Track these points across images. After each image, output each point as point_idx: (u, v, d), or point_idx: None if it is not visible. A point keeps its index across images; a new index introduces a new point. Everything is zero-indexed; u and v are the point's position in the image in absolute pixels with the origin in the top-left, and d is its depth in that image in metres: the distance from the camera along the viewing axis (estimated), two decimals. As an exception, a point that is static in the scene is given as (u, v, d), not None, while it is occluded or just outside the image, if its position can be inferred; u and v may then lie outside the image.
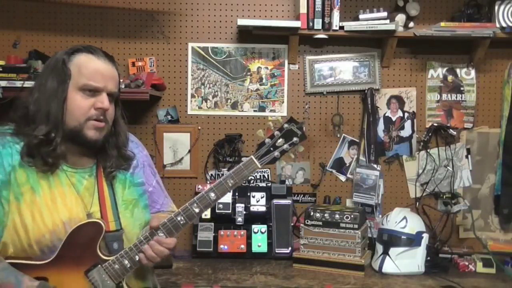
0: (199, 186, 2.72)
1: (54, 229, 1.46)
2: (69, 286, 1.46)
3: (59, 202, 1.49)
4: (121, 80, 2.55)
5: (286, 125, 1.60)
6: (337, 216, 2.45)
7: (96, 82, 1.50)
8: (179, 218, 1.53)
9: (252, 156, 1.58)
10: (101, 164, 1.58)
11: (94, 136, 1.51)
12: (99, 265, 1.49)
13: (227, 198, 2.62)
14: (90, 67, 1.50)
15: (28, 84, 2.34)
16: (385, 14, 2.62)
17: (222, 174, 2.80)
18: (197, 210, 1.54)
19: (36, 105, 1.49)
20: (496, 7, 2.64)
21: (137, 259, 1.51)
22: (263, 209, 2.63)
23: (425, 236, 2.44)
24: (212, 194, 1.55)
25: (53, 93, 1.48)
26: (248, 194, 2.67)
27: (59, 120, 1.48)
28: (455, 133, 2.82)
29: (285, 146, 1.60)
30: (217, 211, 2.59)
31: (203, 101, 2.83)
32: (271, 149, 1.58)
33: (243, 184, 2.76)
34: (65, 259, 1.46)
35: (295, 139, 1.60)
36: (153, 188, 1.75)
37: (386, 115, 2.86)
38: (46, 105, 1.48)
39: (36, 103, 1.49)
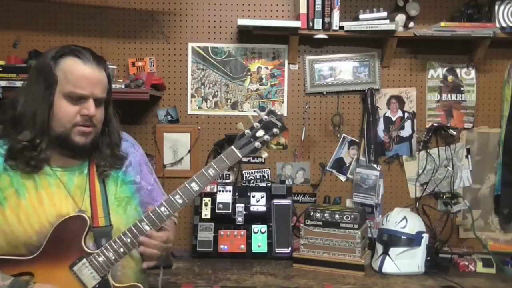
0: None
1: (42, 230, 1.46)
2: (55, 280, 1.46)
3: (46, 203, 1.49)
4: (121, 80, 2.58)
5: (265, 117, 1.62)
6: (337, 216, 2.45)
7: (82, 90, 1.48)
8: (162, 209, 1.54)
9: (232, 147, 1.61)
10: (95, 162, 1.59)
11: (81, 141, 1.52)
12: (84, 259, 1.49)
13: (227, 198, 2.62)
14: (76, 74, 1.48)
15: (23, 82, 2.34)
16: (385, 14, 2.62)
17: (222, 174, 2.80)
18: (180, 201, 1.56)
19: (22, 108, 1.49)
20: (496, 7, 2.64)
21: (121, 251, 1.51)
22: (263, 209, 2.63)
23: (425, 236, 2.44)
24: (194, 185, 1.57)
25: (40, 97, 1.48)
26: (248, 194, 2.67)
27: (45, 126, 1.48)
28: (455, 133, 2.82)
29: (266, 137, 1.61)
30: (217, 211, 2.59)
31: (203, 101, 2.83)
32: (251, 139, 1.60)
33: (242, 184, 2.77)
34: (50, 254, 1.46)
35: (275, 130, 1.62)
36: (152, 186, 1.75)
37: (386, 115, 2.86)
38: (32, 109, 1.48)
39: (22, 106, 1.49)
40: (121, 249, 1.51)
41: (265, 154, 1.65)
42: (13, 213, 1.46)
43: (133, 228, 1.52)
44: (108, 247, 1.51)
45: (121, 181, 1.65)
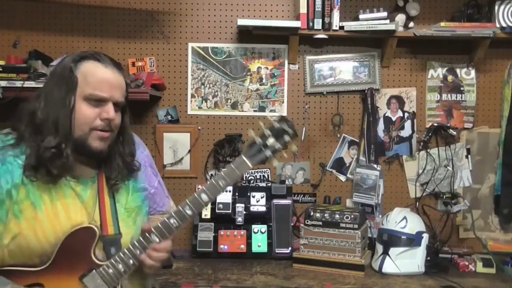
0: (199, 186, 2.71)
1: (57, 242, 1.45)
2: None
3: (62, 215, 1.47)
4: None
5: (277, 124, 1.55)
6: (337, 216, 2.45)
7: (102, 92, 1.47)
8: (172, 221, 1.51)
9: (242, 156, 1.54)
10: (105, 174, 1.56)
11: (99, 147, 1.49)
12: (94, 270, 1.47)
13: (227, 198, 2.62)
14: (96, 76, 1.47)
15: (28, 84, 2.34)
16: (385, 14, 2.62)
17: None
18: (189, 213, 1.52)
19: (43, 114, 1.45)
20: (496, 7, 2.64)
21: (131, 263, 1.49)
22: (263, 209, 2.63)
23: (425, 236, 2.44)
24: (204, 196, 1.53)
25: (61, 102, 1.45)
26: (248, 194, 2.67)
27: (68, 130, 1.44)
28: (455, 133, 2.82)
29: (277, 146, 1.54)
30: (217, 211, 2.59)
31: (203, 101, 2.83)
32: (262, 148, 1.54)
33: (242, 184, 2.77)
34: (60, 265, 1.45)
35: (286, 138, 1.55)
36: (155, 190, 1.74)
37: (386, 115, 2.86)
38: (54, 114, 1.44)
39: (43, 111, 1.46)
40: (131, 261, 1.49)
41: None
42: (29, 226, 1.43)
43: (142, 239, 1.51)
44: (118, 258, 1.49)
45: (132, 188, 1.63)
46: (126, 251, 1.50)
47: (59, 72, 1.50)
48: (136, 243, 1.50)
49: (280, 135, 1.54)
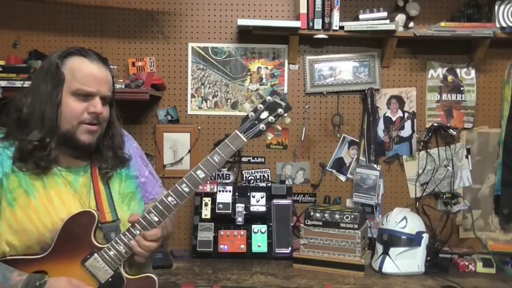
0: (200, 186, 2.71)
1: (54, 227, 1.48)
2: (68, 277, 1.47)
3: (56, 201, 1.50)
4: (121, 80, 2.58)
5: (269, 98, 1.58)
6: (337, 216, 2.45)
7: (89, 87, 1.50)
8: (169, 199, 1.54)
9: (236, 131, 1.57)
10: (96, 165, 1.59)
11: (87, 140, 1.53)
12: (95, 253, 1.50)
13: (227, 198, 2.62)
14: (83, 71, 1.51)
15: (28, 84, 2.34)
16: (385, 14, 2.62)
17: (222, 174, 2.80)
18: (186, 190, 1.55)
19: (29, 109, 1.50)
20: (496, 7, 2.64)
21: (131, 244, 1.51)
22: (263, 209, 2.63)
23: (425, 236, 2.45)
24: (200, 172, 1.56)
25: (47, 97, 1.49)
26: (248, 194, 2.67)
27: (54, 124, 1.48)
28: (455, 133, 2.82)
29: (270, 118, 1.57)
30: (217, 211, 2.59)
31: (203, 101, 2.83)
32: (256, 122, 1.57)
33: (242, 184, 2.76)
34: (61, 251, 1.48)
35: (279, 110, 1.58)
36: (145, 179, 1.75)
37: (386, 115, 2.86)
38: (40, 109, 1.49)
39: (29, 106, 1.50)
40: (131, 242, 1.51)
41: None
42: (24, 213, 1.47)
43: (141, 220, 1.53)
44: (118, 240, 1.51)
45: (125, 176, 1.66)
46: (126, 232, 1.52)
47: (45, 68, 1.54)
48: (135, 224, 1.53)
49: (273, 108, 1.58)
